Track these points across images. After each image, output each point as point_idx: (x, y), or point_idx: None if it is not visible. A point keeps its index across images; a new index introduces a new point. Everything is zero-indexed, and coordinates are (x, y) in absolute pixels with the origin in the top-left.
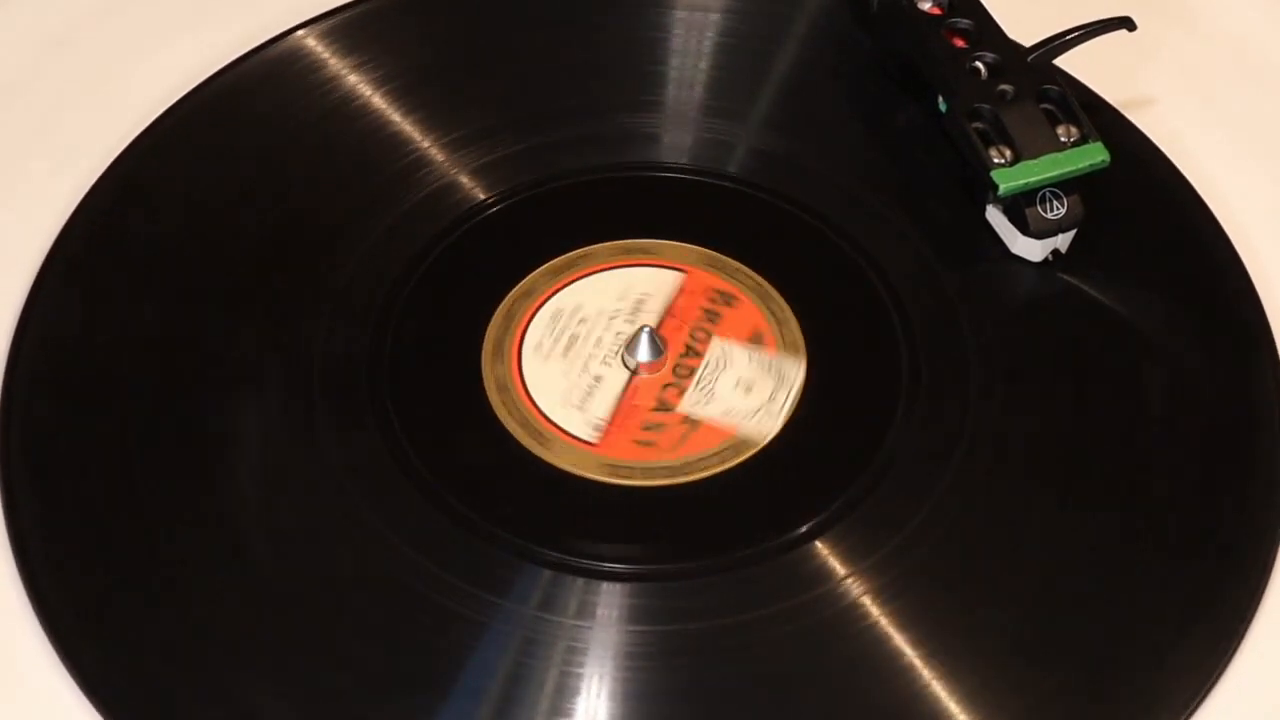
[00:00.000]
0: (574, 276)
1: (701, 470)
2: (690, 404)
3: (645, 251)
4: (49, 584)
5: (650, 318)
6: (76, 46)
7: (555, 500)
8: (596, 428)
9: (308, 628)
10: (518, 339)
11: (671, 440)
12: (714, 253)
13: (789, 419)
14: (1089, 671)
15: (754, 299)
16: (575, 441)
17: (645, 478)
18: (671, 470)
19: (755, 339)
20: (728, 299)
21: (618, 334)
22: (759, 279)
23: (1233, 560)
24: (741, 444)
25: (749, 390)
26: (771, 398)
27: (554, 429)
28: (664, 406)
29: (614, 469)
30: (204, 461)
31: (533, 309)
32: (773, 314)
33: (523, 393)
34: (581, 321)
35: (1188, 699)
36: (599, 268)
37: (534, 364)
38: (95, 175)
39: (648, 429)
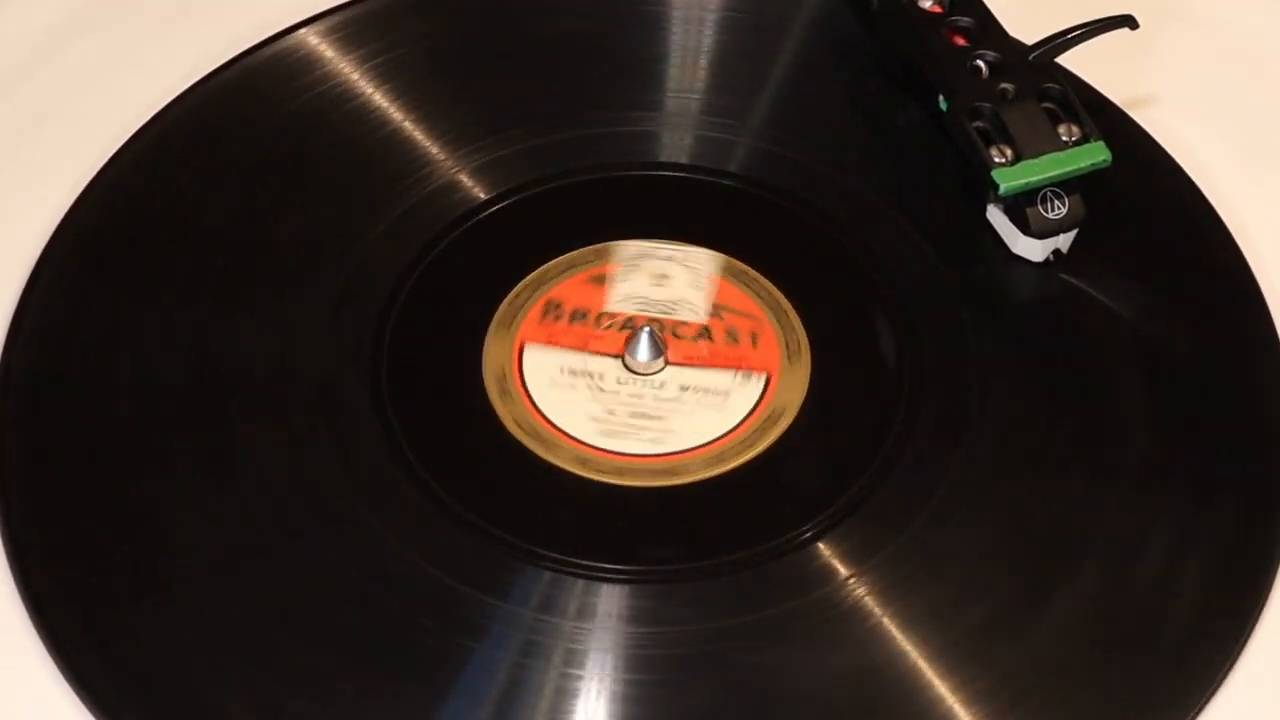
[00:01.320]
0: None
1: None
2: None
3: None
4: (44, 585)
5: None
6: (72, 44)
7: (555, 501)
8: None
9: (305, 629)
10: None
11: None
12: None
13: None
14: (1095, 672)
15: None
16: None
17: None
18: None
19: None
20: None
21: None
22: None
23: (1238, 562)
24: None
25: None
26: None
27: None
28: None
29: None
30: (202, 463)
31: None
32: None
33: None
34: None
35: (1196, 700)
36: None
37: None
38: (90, 174)
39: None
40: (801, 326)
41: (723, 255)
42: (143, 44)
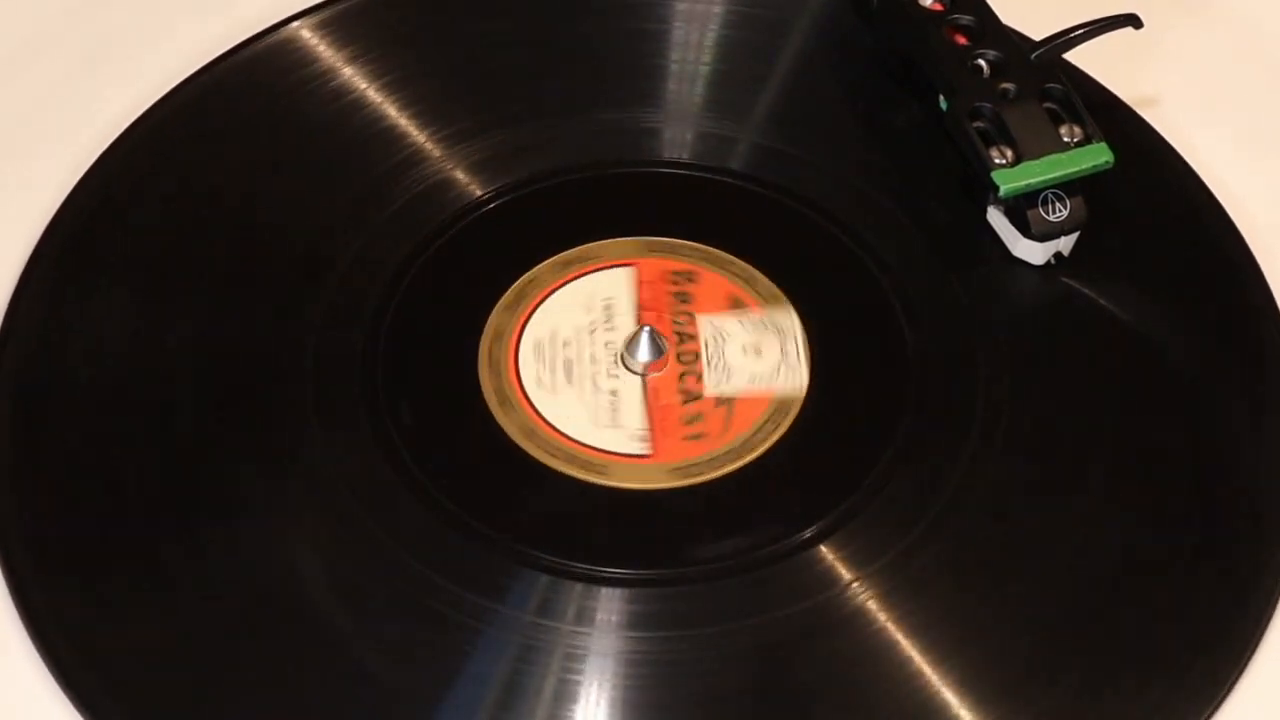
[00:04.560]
0: (532, 305)
1: (763, 442)
2: (714, 384)
3: (586, 258)
4: (36, 588)
5: (625, 318)
6: (61, 41)
7: (553, 504)
8: (642, 439)
9: (302, 633)
10: (515, 382)
11: (718, 424)
12: (656, 238)
13: (811, 367)
14: (1100, 677)
15: (712, 268)
16: (629, 459)
17: (711, 470)
18: (735, 452)
19: (735, 304)
20: (688, 277)
21: (607, 344)
22: (708, 249)
23: (1244, 565)
24: (784, 403)
25: (759, 352)
26: (783, 350)
27: (604, 455)
28: (692, 396)
29: (682, 472)
30: (199, 464)
31: (512, 347)
32: (736, 275)
33: (552, 431)
34: (566, 344)
35: (1202, 705)
36: (549, 289)
37: (544, 398)
38: (81, 171)
39: (690, 422)
40: (802, 323)
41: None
42: (133, 39)
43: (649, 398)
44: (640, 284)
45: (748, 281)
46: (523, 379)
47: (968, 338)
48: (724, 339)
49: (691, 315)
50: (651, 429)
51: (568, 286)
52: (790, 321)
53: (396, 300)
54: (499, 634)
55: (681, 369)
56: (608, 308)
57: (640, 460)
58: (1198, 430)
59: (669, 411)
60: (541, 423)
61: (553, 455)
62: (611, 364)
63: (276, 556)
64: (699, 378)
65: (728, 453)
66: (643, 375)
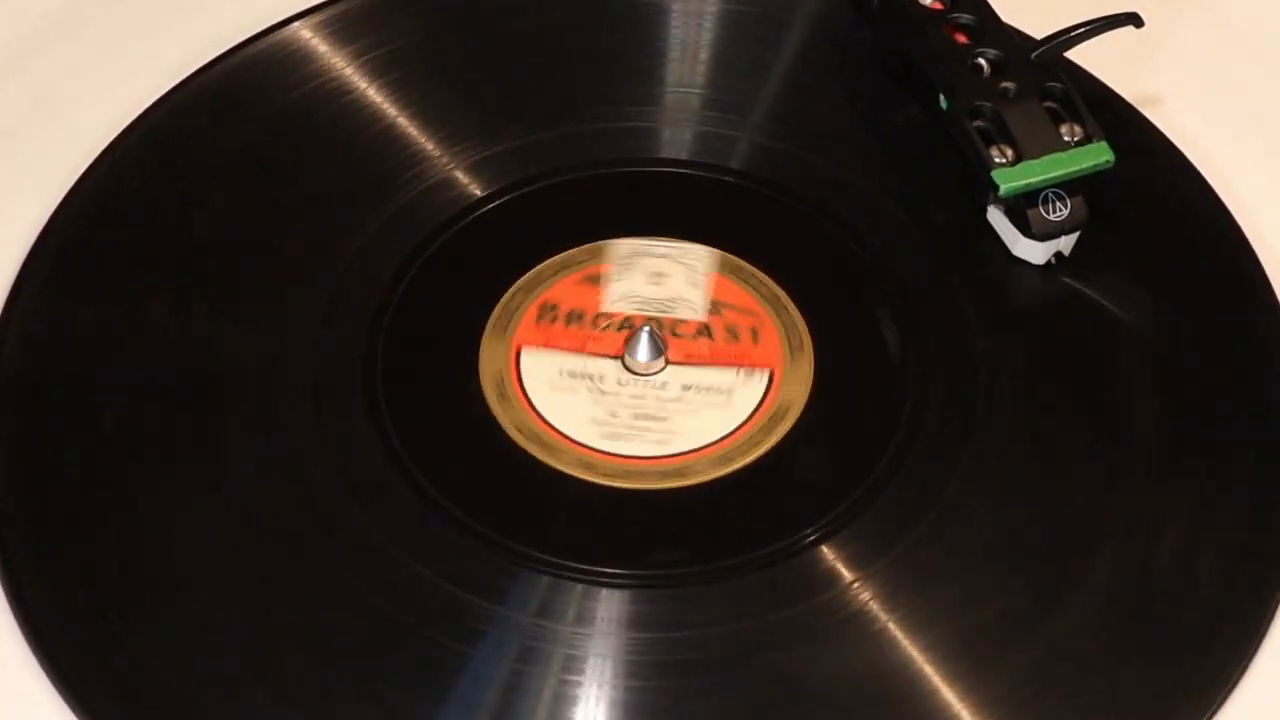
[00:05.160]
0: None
1: (763, 443)
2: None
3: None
4: (32, 590)
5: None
6: (59, 42)
7: (553, 506)
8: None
9: (300, 634)
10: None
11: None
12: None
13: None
14: (1102, 677)
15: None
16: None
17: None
18: (736, 453)
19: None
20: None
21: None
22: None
23: (1248, 565)
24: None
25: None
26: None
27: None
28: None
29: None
30: (197, 466)
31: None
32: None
33: (544, 425)
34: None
35: (1206, 705)
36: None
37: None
38: (81, 169)
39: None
40: (804, 322)
41: (719, 251)
42: (131, 40)
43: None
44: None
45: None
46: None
47: (968, 338)
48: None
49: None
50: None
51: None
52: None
53: (396, 300)
54: (499, 635)
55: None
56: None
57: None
58: (1199, 431)
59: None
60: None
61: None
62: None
63: (273, 560)
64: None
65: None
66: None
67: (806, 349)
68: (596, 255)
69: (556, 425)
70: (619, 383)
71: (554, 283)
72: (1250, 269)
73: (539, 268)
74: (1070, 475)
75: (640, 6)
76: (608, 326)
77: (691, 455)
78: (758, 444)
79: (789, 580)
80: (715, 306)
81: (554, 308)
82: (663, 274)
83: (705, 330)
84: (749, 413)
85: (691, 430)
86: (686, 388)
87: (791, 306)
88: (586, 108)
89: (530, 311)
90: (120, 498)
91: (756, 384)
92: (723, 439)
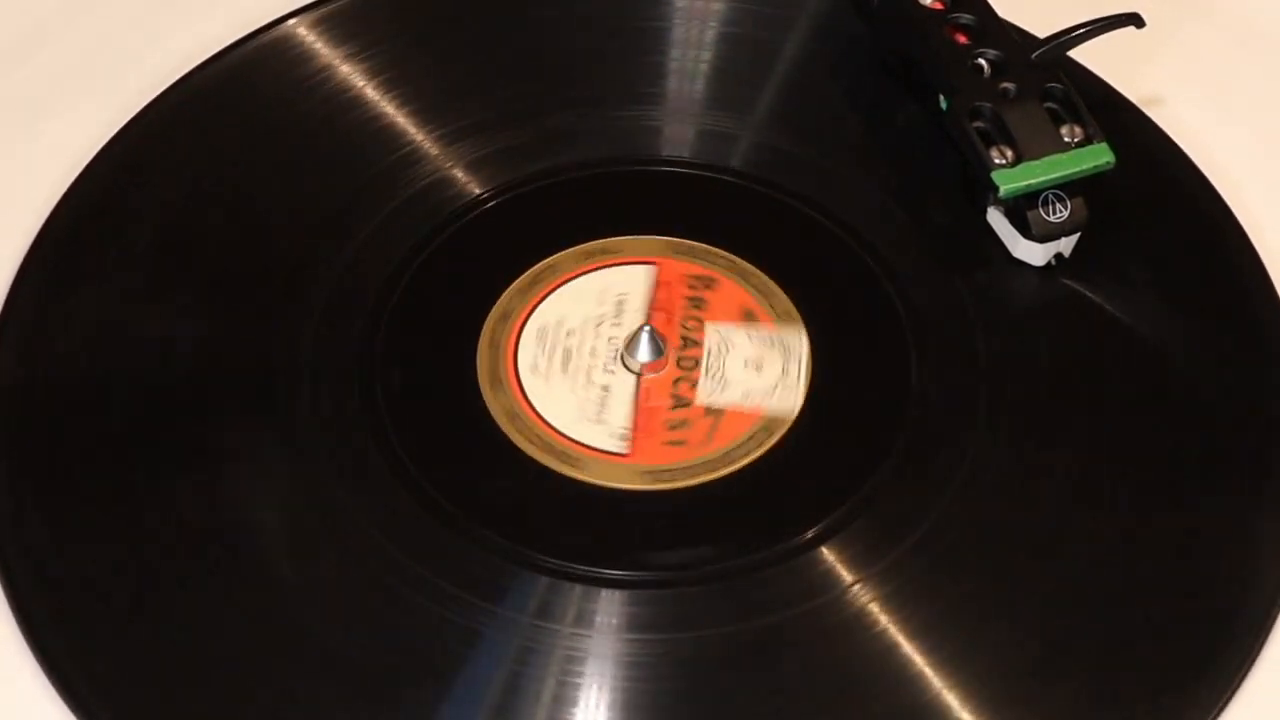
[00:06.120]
0: (545, 291)
1: (742, 458)
2: (707, 394)
3: (609, 251)
4: (30, 590)
5: (635, 316)
6: (56, 38)
7: (553, 506)
8: (623, 437)
9: (299, 635)
10: (511, 365)
11: (701, 435)
12: (680, 240)
13: (809, 389)
14: (1103, 679)
15: (734, 278)
16: (605, 455)
17: (689, 477)
18: (712, 464)
19: (747, 317)
20: (707, 283)
21: (610, 339)
22: (732, 258)
23: (1251, 566)
24: (772, 422)
25: (759, 368)
26: (784, 371)
27: (580, 448)
28: (682, 402)
29: (654, 475)
30: (196, 466)
31: (515, 330)
32: (757, 289)
33: (536, 418)
34: (569, 334)
35: (1207, 708)
36: (567, 277)
37: (535, 385)
38: (78, 170)
39: (674, 428)
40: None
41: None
42: (127, 39)
43: (639, 398)
44: (658, 284)
45: (767, 295)
46: (520, 372)
47: (968, 339)
48: (728, 350)
49: (701, 322)
50: (633, 428)
51: (584, 277)
52: (799, 342)
53: (394, 299)
54: (498, 636)
55: (679, 374)
56: (620, 302)
57: (615, 458)
58: (1201, 432)
59: (655, 414)
60: (535, 417)
61: (529, 441)
62: (610, 359)
63: (272, 558)
64: (693, 385)
65: (705, 464)
66: (638, 374)
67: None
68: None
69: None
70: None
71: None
72: (1253, 269)
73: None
74: (1071, 477)
75: (641, 5)
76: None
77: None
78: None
79: (788, 582)
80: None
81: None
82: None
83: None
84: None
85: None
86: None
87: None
88: (585, 106)
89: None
90: (119, 497)
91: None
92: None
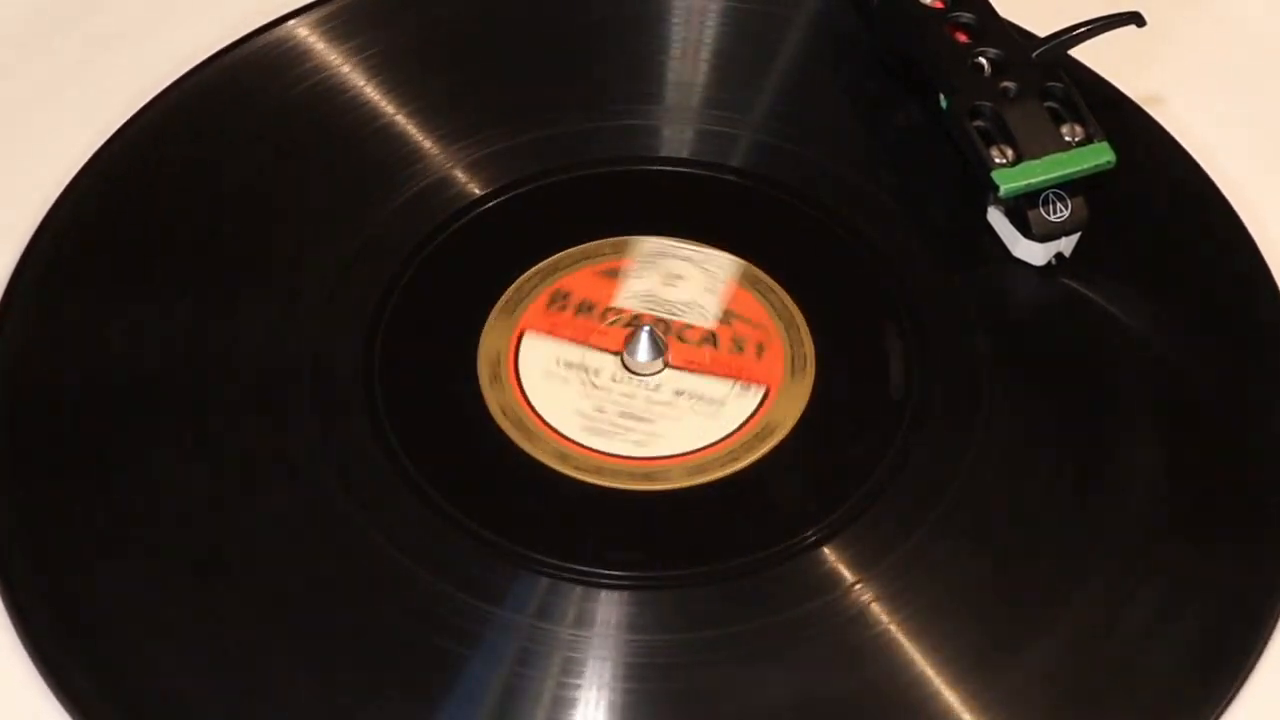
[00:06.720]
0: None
1: (743, 458)
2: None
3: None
4: (27, 590)
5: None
6: (57, 37)
7: (553, 506)
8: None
9: (298, 636)
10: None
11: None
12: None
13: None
14: (1105, 678)
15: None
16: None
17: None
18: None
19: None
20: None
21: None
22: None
23: (1252, 566)
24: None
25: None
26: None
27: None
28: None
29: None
30: (196, 466)
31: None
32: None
33: (536, 418)
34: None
35: (1210, 707)
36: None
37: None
38: (76, 168)
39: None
40: (810, 340)
41: (743, 261)
42: (126, 39)
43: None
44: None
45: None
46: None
47: (968, 339)
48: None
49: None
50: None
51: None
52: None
53: (394, 299)
54: (498, 637)
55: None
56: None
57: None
58: (1202, 433)
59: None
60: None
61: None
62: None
63: (271, 558)
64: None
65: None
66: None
67: (809, 372)
68: (617, 249)
69: (553, 422)
70: (613, 379)
71: (568, 273)
72: (1255, 269)
73: (555, 257)
74: (1072, 478)
75: (642, 5)
76: (615, 322)
77: (672, 461)
78: (753, 450)
79: (790, 582)
80: (727, 316)
81: (565, 296)
82: (681, 277)
83: (711, 338)
84: (734, 427)
85: (672, 436)
86: (679, 393)
87: (803, 325)
88: (585, 106)
89: (542, 297)
90: (115, 489)
91: (750, 399)
92: (700, 450)
